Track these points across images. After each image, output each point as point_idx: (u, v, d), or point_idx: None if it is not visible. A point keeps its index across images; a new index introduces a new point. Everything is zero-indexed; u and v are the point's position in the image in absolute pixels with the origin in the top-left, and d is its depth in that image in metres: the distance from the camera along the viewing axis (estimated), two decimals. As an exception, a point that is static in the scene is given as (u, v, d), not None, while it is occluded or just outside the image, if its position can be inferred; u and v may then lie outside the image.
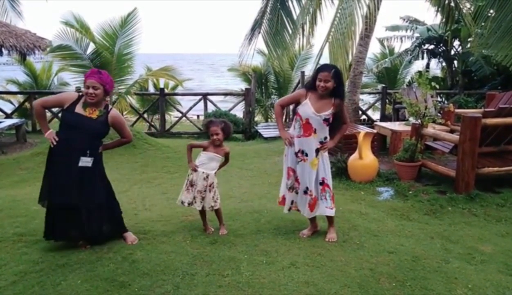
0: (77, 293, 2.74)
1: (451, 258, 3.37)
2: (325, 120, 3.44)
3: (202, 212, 3.76)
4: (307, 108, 3.44)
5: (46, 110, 3.61)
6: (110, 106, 3.41)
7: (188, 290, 2.77)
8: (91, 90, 3.21)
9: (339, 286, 2.84)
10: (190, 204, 3.67)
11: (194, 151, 3.79)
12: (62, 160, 3.25)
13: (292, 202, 3.68)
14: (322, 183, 3.56)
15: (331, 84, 3.34)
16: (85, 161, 3.24)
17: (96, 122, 3.27)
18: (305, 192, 3.58)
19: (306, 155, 3.51)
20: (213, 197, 3.66)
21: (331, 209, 3.59)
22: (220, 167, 3.79)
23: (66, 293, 2.74)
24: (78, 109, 3.25)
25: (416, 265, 3.19)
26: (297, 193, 3.63)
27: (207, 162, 3.67)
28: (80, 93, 3.34)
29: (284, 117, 12.50)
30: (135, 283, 2.85)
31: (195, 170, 3.64)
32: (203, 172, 3.64)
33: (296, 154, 3.55)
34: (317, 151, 3.51)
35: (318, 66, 3.65)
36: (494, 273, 3.13)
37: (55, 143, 3.26)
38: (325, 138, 3.52)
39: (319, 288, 2.81)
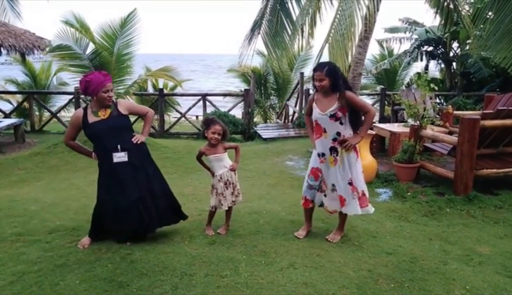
0: (76, 293, 2.73)
1: (449, 259, 3.38)
2: (332, 116, 3.40)
3: (213, 213, 3.77)
4: (315, 111, 3.50)
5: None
6: (115, 100, 3.45)
7: (187, 291, 2.77)
8: (111, 94, 3.30)
9: (337, 287, 2.84)
10: (215, 207, 3.71)
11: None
12: (106, 166, 3.34)
13: (322, 204, 3.65)
14: (351, 183, 3.52)
15: (327, 82, 3.36)
16: (118, 156, 3.29)
17: (112, 120, 3.32)
18: (332, 190, 3.56)
19: (323, 155, 3.53)
20: (232, 192, 3.74)
21: (357, 209, 3.52)
22: (238, 159, 3.83)
23: (64, 293, 2.73)
24: (91, 119, 3.31)
25: (414, 266, 3.20)
26: (325, 195, 3.60)
27: (214, 165, 3.69)
28: (85, 105, 3.42)
29: (283, 117, 12.52)
30: (134, 283, 2.84)
31: (213, 175, 3.71)
32: (216, 175, 3.67)
33: (317, 155, 3.58)
34: (331, 149, 3.47)
35: (314, 66, 3.66)
36: (492, 275, 3.14)
37: (97, 160, 3.39)
38: (338, 133, 3.45)
39: (317, 289, 2.82)
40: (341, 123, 3.43)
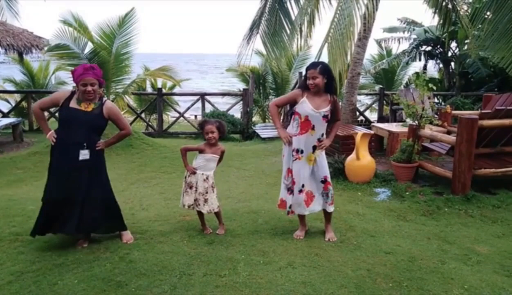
0: (74, 293, 2.73)
1: (448, 258, 3.38)
2: (324, 116, 3.46)
3: (200, 213, 3.75)
4: (305, 106, 3.46)
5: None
6: (104, 98, 3.38)
7: (185, 290, 2.77)
8: (89, 88, 3.19)
9: (336, 287, 2.85)
10: (190, 206, 3.67)
11: (189, 153, 3.77)
12: (61, 155, 3.26)
13: (290, 206, 3.64)
14: (325, 181, 3.59)
15: (320, 80, 3.37)
16: (83, 154, 3.24)
17: (91, 115, 3.25)
18: (300, 191, 3.57)
19: (302, 152, 3.52)
20: (216, 197, 3.70)
21: (331, 204, 3.64)
22: (218, 163, 3.81)
23: (62, 293, 2.73)
24: (73, 104, 3.25)
25: (412, 265, 3.21)
26: (292, 194, 3.61)
27: (205, 164, 3.67)
28: (74, 90, 3.33)
29: (282, 117, 12.54)
30: (132, 283, 2.84)
31: (194, 173, 3.65)
32: (203, 174, 3.64)
33: (292, 152, 3.56)
34: (314, 147, 3.52)
35: (308, 65, 3.68)
36: (490, 274, 3.15)
37: (54, 141, 3.28)
38: (322, 135, 3.55)
39: (316, 288, 2.82)
40: (328, 125, 3.54)
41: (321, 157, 3.59)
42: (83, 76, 3.17)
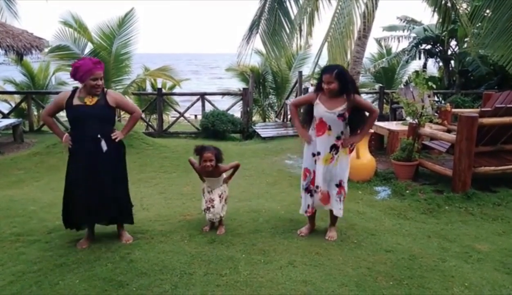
0: (75, 293, 2.73)
1: (448, 256, 3.39)
2: (340, 116, 3.41)
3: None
4: (319, 108, 3.46)
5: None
6: (105, 89, 3.36)
7: (186, 290, 2.77)
8: (100, 82, 3.21)
9: (336, 285, 2.85)
10: (205, 210, 3.75)
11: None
12: (79, 152, 3.27)
13: (308, 206, 3.66)
14: (339, 185, 3.56)
15: (335, 85, 3.34)
16: (102, 145, 3.25)
17: (98, 107, 3.25)
18: (315, 192, 3.59)
19: (319, 154, 3.51)
20: (223, 206, 3.73)
21: (340, 210, 3.63)
22: (231, 176, 3.86)
23: (64, 293, 2.74)
24: (76, 102, 3.24)
25: (413, 263, 3.21)
26: (312, 195, 3.63)
27: (210, 185, 3.74)
28: (74, 88, 3.33)
29: (282, 116, 12.53)
30: (133, 282, 2.85)
31: (204, 180, 3.77)
32: (209, 186, 3.74)
33: (312, 154, 3.58)
34: (332, 147, 3.48)
35: (323, 67, 3.68)
36: (490, 272, 3.15)
37: (71, 143, 3.31)
38: (342, 133, 3.48)
39: (316, 287, 2.82)
40: (346, 123, 3.48)
41: (343, 159, 3.54)
42: (94, 71, 3.16)
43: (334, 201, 3.59)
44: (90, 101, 3.24)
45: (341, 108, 3.40)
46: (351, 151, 3.63)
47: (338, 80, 3.34)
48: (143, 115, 11.16)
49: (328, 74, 3.36)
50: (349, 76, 3.50)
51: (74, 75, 3.25)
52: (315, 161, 3.54)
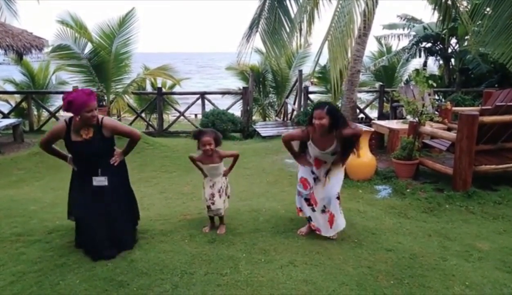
0: (76, 293, 2.74)
1: (449, 255, 3.38)
2: (333, 154, 3.57)
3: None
4: (312, 149, 3.62)
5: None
6: (99, 119, 3.23)
7: (187, 289, 2.77)
8: (95, 113, 3.13)
9: (337, 284, 2.85)
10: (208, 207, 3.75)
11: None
12: (80, 187, 3.31)
13: (310, 218, 3.72)
14: (339, 198, 3.66)
15: (326, 121, 3.42)
16: (99, 180, 3.22)
17: (95, 142, 3.19)
18: (323, 211, 3.66)
19: (318, 178, 3.70)
20: (224, 200, 3.73)
21: (343, 219, 3.71)
22: (230, 168, 3.84)
23: (64, 293, 2.74)
24: (74, 137, 3.18)
25: (414, 262, 3.21)
26: (314, 210, 3.70)
27: (209, 173, 3.73)
28: (66, 120, 3.24)
29: (282, 115, 12.53)
30: (134, 282, 2.85)
31: (205, 176, 3.76)
32: (210, 180, 3.72)
33: (312, 172, 3.71)
34: (328, 171, 3.65)
35: (314, 104, 3.74)
36: (491, 270, 3.15)
37: (72, 165, 3.35)
38: (333, 154, 3.60)
39: (317, 286, 2.82)
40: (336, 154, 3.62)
41: (338, 173, 3.66)
42: (88, 103, 3.08)
43: (337, 217, 3.62)
44: (86, 134, 3.17)
45: (333, 147, 3.53)
46: (343, 165, 3.75)
47: (329, 116, 3.42)
48: (143, 115, 11.17)
49: (319, 110, 3.46)
50: (339, 113, 3.64)
51: (68, 109, 3.12)
52: (314, 179, 3.69)
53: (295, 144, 3.86)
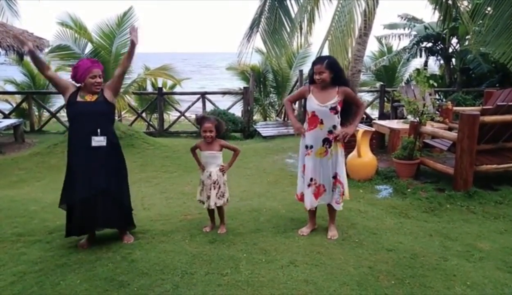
0: (76, 293, 2.74)
1: (450, 255, 3.38)
2: (332, 109, 3.45)
3: (210, 210, 3.76)
4: (311, 101, 3.50)
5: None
6: (103, 85, 3.41)
7: (187, 289, 2.77)
8: (99, 79, 3.30)
9: (338, 284, 2.84)
10: (202, 202, 3.74)
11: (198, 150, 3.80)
12: (78, 147, 3.29)
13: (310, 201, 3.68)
14: (335, 177, 3.60)
15: (327, 75, 3.38)
16: (98, 140, 3.26)
17: (98, 104, 3.33)
18: (309, 185, 3.61)
19: (311, 147, 3.55)
20: (217, 194, 3.65)
21: (338, 204, 3.64)
22: (231, 163, 3.78)
23: (65, 293, 2.74)
24: (79, 99, 3.32)
25: (415, 262, 3.20)
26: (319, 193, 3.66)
27: (206, 161, 3.69)
28: (79, 85, 3.37)
29: (283, 115, 12.51)
30: (134, 282, 2.85)
31: (203, 170, 3.71)
32: (207, 171, 3.67)
33: (305, 146, 3.61)
34: (325, 141, 3.52)
35: (314, 59, 3.70)
36: (492, 270, 3.14)
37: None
38: (334, 126, 3.51)
39: (318, 286, 2.82)
40: (338, 116, 3.51)
41: (337, 152, 3.58)
42: (92, 69, 3.28)
43: (330, 192, 3.60)
44: (90, 98, 3.32)
45: (333, 101, 3.44)
46: (344, 146, 3.67)
47: (330, 70, 3.36)
48: (143, 115, 11.16)
49: (319, 65, 3.40)
50: (340, 66, 3.56)
51: (74, 76, 3.34)
52: (307, 155, 3.57)
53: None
